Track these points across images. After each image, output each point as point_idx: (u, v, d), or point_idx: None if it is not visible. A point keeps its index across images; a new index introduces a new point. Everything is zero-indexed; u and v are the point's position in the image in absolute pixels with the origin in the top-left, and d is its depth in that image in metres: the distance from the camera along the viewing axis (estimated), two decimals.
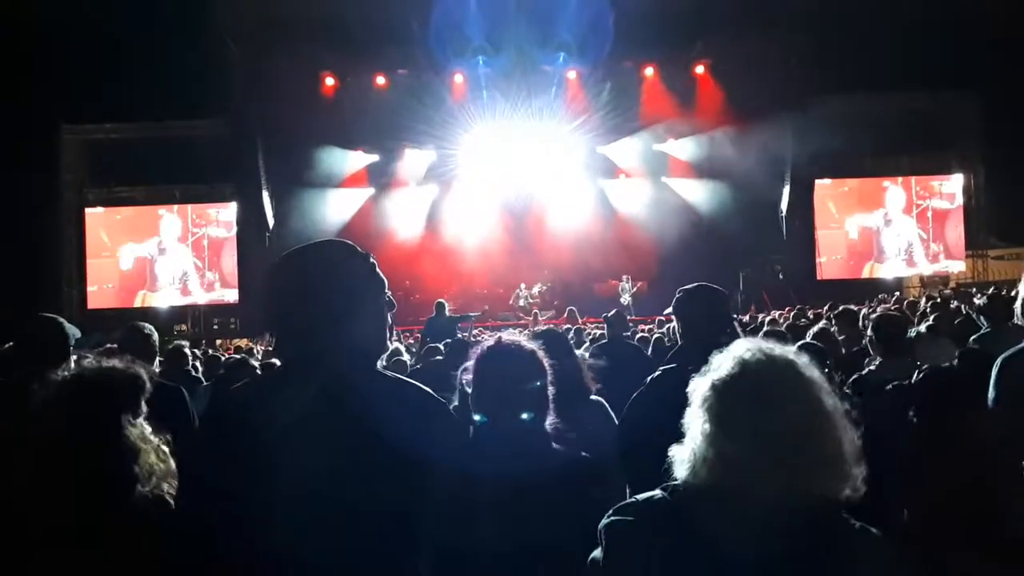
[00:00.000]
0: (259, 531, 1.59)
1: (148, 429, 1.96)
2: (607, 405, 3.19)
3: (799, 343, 4.28)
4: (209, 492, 1.65)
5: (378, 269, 1.82)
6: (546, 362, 2.04)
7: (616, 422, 3.13)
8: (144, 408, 1.97)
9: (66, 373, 1.96)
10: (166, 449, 1.97)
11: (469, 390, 2.04)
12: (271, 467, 1.61)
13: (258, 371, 5.17)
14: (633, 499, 1.54)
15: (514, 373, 1.98)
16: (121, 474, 1.83)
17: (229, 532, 1.59)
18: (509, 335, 2.09)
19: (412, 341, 11.69)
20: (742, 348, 1.51)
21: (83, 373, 1.94)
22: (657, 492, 1.52)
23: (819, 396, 1.44)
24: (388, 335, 1.84)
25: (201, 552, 1.64)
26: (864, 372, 4.25)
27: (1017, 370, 2.85)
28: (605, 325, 7.05)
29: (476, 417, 2.00)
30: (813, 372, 1.47)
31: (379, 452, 1.63)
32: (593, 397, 3.18)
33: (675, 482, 1.50)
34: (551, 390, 2.02)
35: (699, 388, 1.52)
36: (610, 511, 1.53)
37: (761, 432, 1.40)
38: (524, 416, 1.94)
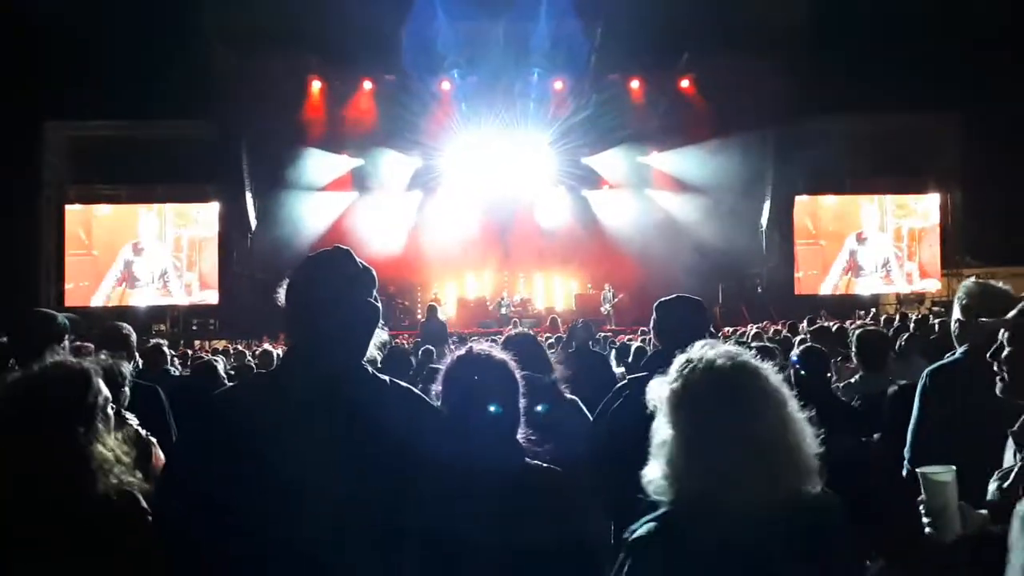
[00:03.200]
0: (250, 525, 1.63)
1: (101, 427, 1.92)
2: (580, 403, 3.20)
3: (758, 346, 4.37)
4: (198, 487, 1.68)
5: (372, 274, 1.90)
6: (517, 373, 1.98)
7: (590, 420, 3.15)
8: (105, 402, 1.94)
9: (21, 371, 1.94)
10: (151, 441, 1.97)
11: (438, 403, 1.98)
12: (262, 462, 1.66)
13: (223, 378, 5.14)
14: (636, 536, 1.48)
15: (483, 384, 1.91)
16: (73, 472, 1.81)
17: (219, 526, 1.63)
18: (479, 344, 2.04)
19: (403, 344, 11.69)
20: (709, 352, 1.49)
21: (28, 372, 1.92)
22: (650, 521, 1.48)
23: (786, 399, 1.47)
24: (376, 338, 1.90)
25: (189, 545, 1.67)
26: (842, 385, 4.35)
27: (941, 382, 2.89)
28: (568, 334, 7.10)
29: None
30: (777, 378, 1.50)
31: (369, 447, 1.68)
32: (568, 396, 3.19)
33: (664, 506, 1.47)
34: (522, 401, 1.96)
35: (662, 392, 1.50)
36: (624, 557, 1.49)
37: (742, 438, 1.40)
38: (492, 417, 1.91)
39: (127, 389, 2.66)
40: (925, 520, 1.85)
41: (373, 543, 1.69)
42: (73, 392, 1.88)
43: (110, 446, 1.90)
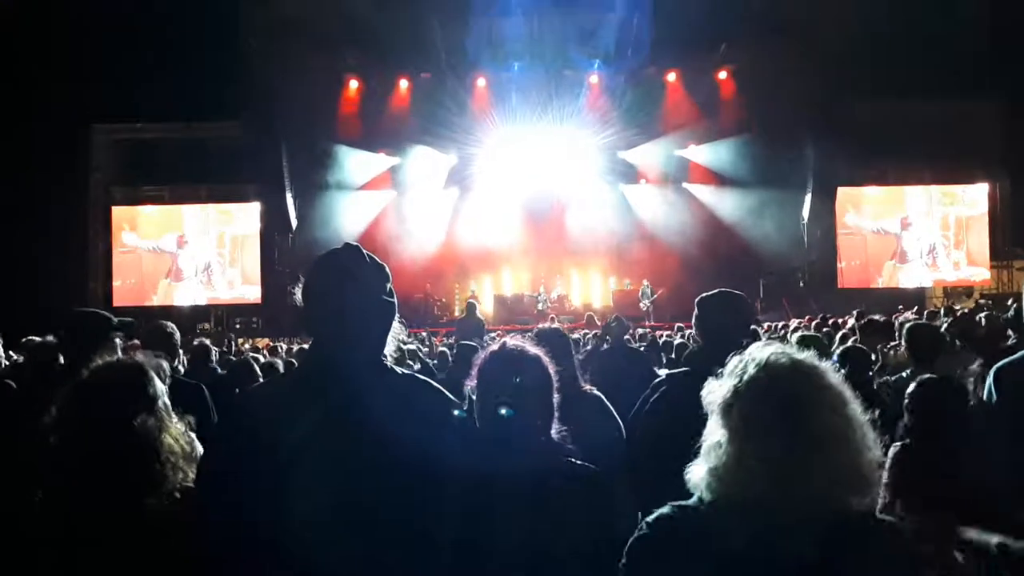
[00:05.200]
0: (277, 530, 1.64)
1: (173, 419, 1.97)
2: (603, 398, 3.16)
3: (843, 349, 4.29)
4: (224, 490, 1.70)
5: (385, 269, 1.89)
6: (551, 367, 1.97)
7: (615, 416, 3.11)
8: (162, 398, 1.97)
9: (83, 372, 1.97)
10: (192, 435, 2.00)
11: (474, 397, 1.98)
12: (283, 460, 1.67)
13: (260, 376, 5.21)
14: (655, 516, 1.47)
15: (517, 380, 1.90)
16: (140, 467, 1.84)
17: (246, 531, 1.64)
18: (513, 339, 2.03)
19: (437, 343, 11.77)
20: (765, 352, 1.45)
21: (86, 375, 1.95)
22: (667, 510, 1.46)
23: (846, 403, 1.41)
24: (394, 335, 1.90)
25: (221, 547, 1.68)
26: (894, 379, 4.28)
27: (1015, 378, 2.82)
28: (603, 331, 7.07)
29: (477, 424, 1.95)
30: (837, 378, 1.43)
31: (390, 445, 1.68)
32: (590, 390, 3.15)
33: (696, 498, 1.43)
34: (556, 396, 1.95)
35: (718, 393, 1.45)
36: (636, 531, 1.47)
37: (794, 441, 1.35)
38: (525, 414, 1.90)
39: (166, 387, 2.72)
40: None
41: (399, 541, 1.69)
42: (136, 384, 1.93)
43: (175, 436, 1.94)
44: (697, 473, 1.43)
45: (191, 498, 1.85)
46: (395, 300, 1.89)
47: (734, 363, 1.47)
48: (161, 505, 1.84)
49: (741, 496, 1.36)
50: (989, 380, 2.88)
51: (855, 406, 1.41)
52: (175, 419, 1.99)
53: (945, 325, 6.08)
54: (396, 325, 1.89)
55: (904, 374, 4.24)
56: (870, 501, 1.38)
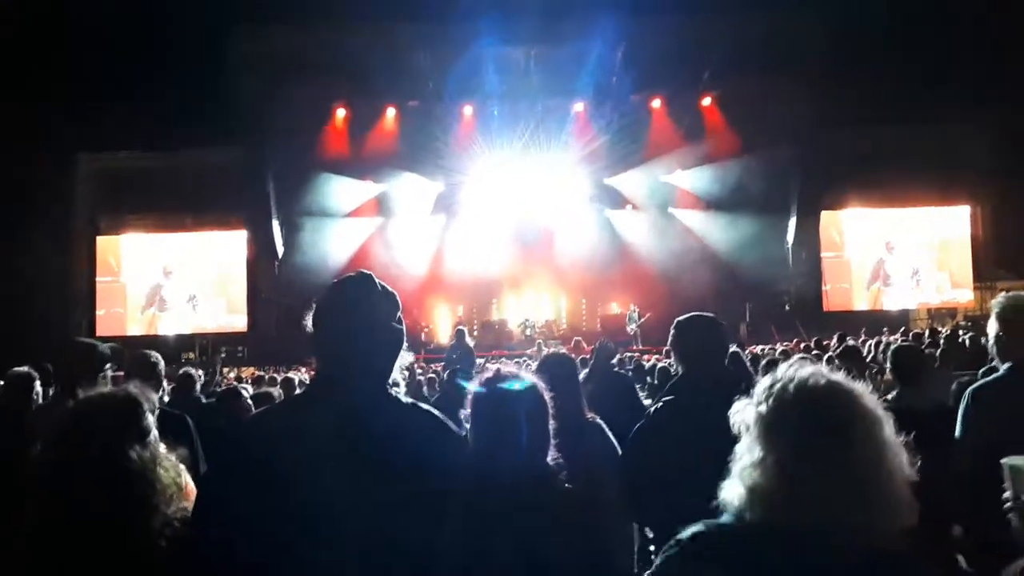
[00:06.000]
0: (279, 554, 1.64)
1: (162, 448, 1.93)
2: (604, 426, 3.16)
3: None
4: (227, 517, 1.68)
5: (395, 297, 1.91)
6: (546, 394, 1.97)
7: (615, 445, 3.10)
8: (151, 430, 1.93)
9: (69, 404, 1.93)
10: (182, 467, 1.97)
11: (468, 426, 1.97)
12: (288, 490, 1.66)
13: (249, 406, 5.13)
14: (691, 533, 1.44)
15: (512, 408, 1.90)
16: (133, 500, 1.80)
17: (250, 556, 1.63)
18: (507, 367, 2.04)
19: (427, 371, 11.70)
20: (802, 372, 1.42)
21: (79, 403, 1.91)
22: (713, 526, 1.43)
23: (883, 426, 1.39)
24: (401, 364, 1.91)
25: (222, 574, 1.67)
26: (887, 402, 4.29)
27: (987, 400, 2.82)
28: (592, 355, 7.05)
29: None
30: (873, 400, 1.42)
31: (394, 474, 1.68)
32: (592, 419, 3.15)
33: (732, 517, 1.41)
34: (552, 424, 1.95)
35: (750, 413, 1.43)
36: (660, 553, 1.44)
37: (834, 464, 1.33)
38: (521, 440, 1.90)
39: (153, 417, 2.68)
40: (1014, 513, 1.80)
41: (401, 570, 1.68)
42: (132, 415, 1.89)
43: (167, 467, 1.90)
44: (734, 492, 1.40)
45: (190, 530, 1.80)
46: (404, 328, 1.91)
47: (767, 382, 1.45)
48: (156, 537, 1.79)
49: (786, 519, 1.34)
50: (966, 400, 2.89)
51: (890, 427, 1.40)
52: (165, 451, 1.96)
53: (928, 346, 6.10)
54: (404, 353, 1.91)
55: (889, 397, 4.25)
56: (905, 523, 1.35)
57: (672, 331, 3.03)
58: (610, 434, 3.14)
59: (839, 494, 1.32)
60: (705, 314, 3.06)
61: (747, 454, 1.40)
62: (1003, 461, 1.84)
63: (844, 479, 1.32)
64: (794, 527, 1.33)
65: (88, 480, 1.78)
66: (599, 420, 3.18)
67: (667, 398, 2.91)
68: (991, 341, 2.98)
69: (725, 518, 1.42)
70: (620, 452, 3.05)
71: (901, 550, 1.35)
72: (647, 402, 5.43)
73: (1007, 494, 1.83)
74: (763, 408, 1.41)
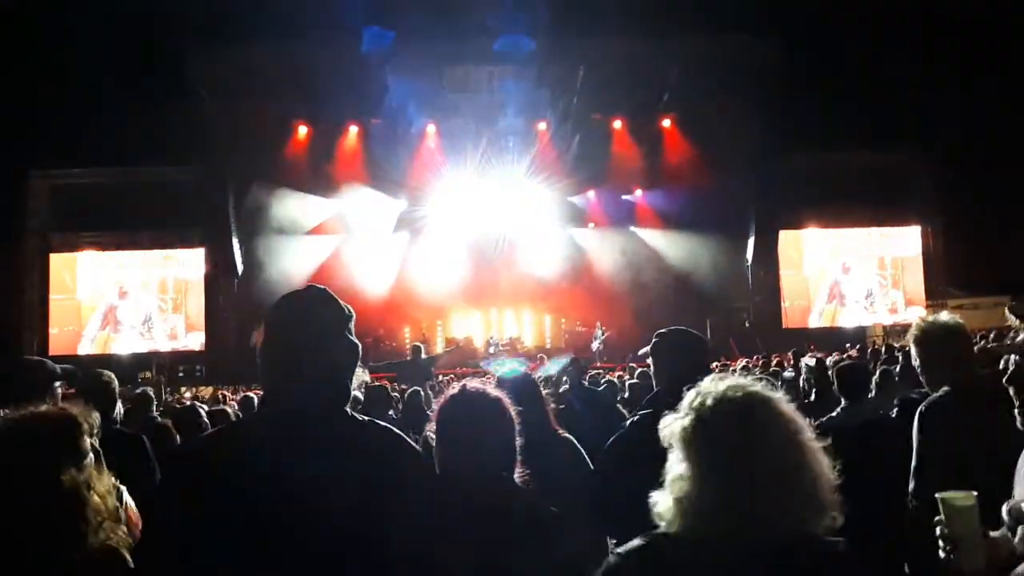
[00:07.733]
0: (234, 574, 1.60)
1: (95, 474, 1.81)
2: (575, 441, 3.14)
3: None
4: (179, 538, 1.65)
5: (349, 311, 1.86)
6: (512, 410, 1.96)
7: (586, 460, 3.08)
8: (88, 452, 1.82)
9: None
10: (122, 490, 1.89)
11: (433, 442, 1.95)
12: (243, 510, 1.62)
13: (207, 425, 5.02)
14: (625, 548, 1.48)
15: (479, 422, 1.90)
16: (58, 527, 1.69)
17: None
18: (474, 382, 2.02)
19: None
20: (720, 385, 1.48)
21: (5, 422, 1.79)
22: (639, 541, 1.47)
23: (800, 431, 1.44)
24: (355, 380, 1.87)
25: None
26: (824, 419, 4.36)
27: (935, 416, 2.84)
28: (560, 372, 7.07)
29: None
30: (790, 407, 1.47)
31: (351, 490, 1.65)
32: (562, 434, 3.13)
33: (659, 530, 1.45)
34: (519, 440, 1.94)
35: (675, 427, 1.48)
36: (599, 570, 1.47)
37: (755, 472, 1.38)
38: (487, 455, 1.89)
39: (96, 439, 2.58)
40: (946, 550, 1.79)
41: None
42: (68, 437, 1.79)
43: (102, 494, 1.80)
44: (662, 504, 1.45)
45: (115, 555, 1.71)
46: (357, 343, 1.86)
47: (690, 397, 1.50)
48: (77, 567, 1.68)
49: (706, 528, 1.38)
50: (915, 420, 2.90)
51: (809, 433, 1.45)
52: (104, 474, 1.87)
53: (885, 362, 6.22)
54: (358, 370, 1.86)
55: (834, 413, 4.33)
56: (830, 522, 1.40)
57: (652, 343, 3.00)
58: (581, 449, 3.12)
59: (762, 499, 1.37)
60: (685, 328, 3.05)
61: (675, 466, 1.45)
62: (937, 496, 1.81)
63: (764, 485, 1.37)
64: (723, 534, 1.37)
65: (12, 497, 1.68)
66: (569, 436, 3.16)
67: (644, 411, 2.90)
68: (918, 370, 2.98)
69: (659, 530, 1.46)
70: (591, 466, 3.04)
71: (833, 550, 1.40)
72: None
73: (939, 529, 1.81)
74: (686, 421, 1.46)
